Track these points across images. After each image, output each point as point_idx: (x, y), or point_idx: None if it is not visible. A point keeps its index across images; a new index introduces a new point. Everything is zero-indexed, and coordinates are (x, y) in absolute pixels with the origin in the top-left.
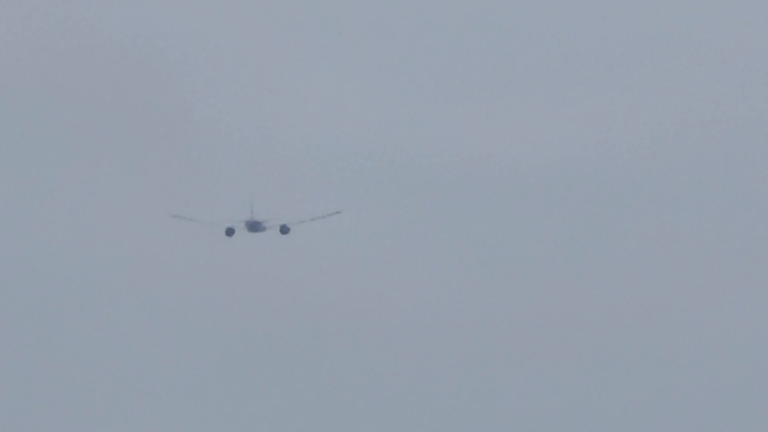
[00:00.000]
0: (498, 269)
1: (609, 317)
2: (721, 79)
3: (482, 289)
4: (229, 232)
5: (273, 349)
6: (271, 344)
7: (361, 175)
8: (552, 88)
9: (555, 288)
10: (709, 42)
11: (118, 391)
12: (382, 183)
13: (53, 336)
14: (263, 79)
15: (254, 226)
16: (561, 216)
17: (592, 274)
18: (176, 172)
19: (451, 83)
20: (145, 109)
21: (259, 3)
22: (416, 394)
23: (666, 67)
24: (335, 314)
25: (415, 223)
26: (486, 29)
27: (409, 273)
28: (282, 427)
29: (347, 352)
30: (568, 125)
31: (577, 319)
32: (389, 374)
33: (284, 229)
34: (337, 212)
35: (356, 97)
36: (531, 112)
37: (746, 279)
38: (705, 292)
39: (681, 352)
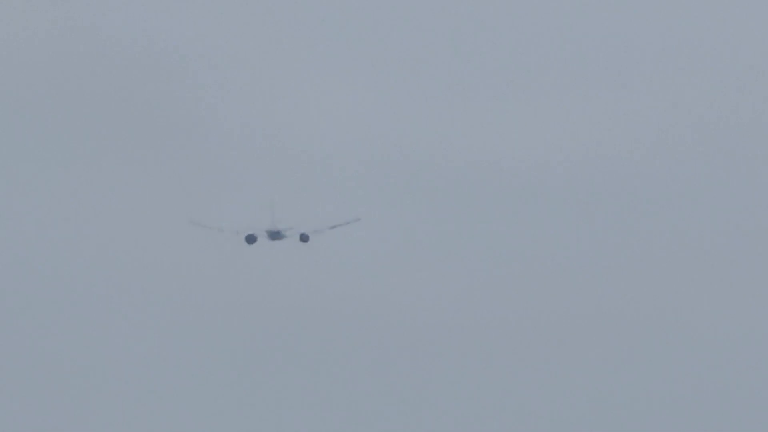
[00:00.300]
0: (518, 275)
1: (624, 316)
2: (724, 81)
3: (502, 294)
4: (250, 239)
5: (294, 355)
6: (292, 350)
7: (380, 183)
8: (566, 91)
9: (576, 292)
10: (713, 44)
11: (144, 397)
12: (401, 190)
13: (75, 342)
14: (284, 88)
15: (275, 235)
16: (587, 221)
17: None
18: (197, 181)
19: (468, 90)
20: (167, 118)
21: (279, 12)
22: (435, 399)
23: (670, 71)
24: (355, 321)
25: (433, 229)
26: (497, 36)
27: (427, 279)
28: (300, 429)
29: (368, 358)
30: (585, 128)
31: (600, 322)
32: (409, 379)
33: (304, 237)
34: (357, 219)
35: (375, 105)
36: (546, 117)
37: (750, 278)
38: (713, 293)
39: (684, 350)
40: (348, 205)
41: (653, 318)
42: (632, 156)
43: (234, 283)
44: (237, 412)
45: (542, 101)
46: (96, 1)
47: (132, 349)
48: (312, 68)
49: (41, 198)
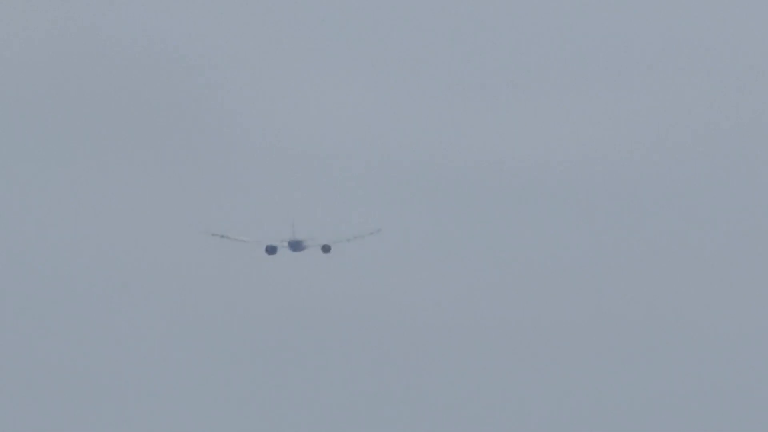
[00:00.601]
0: (540, 281)
1: (639, 317)
2: (727, 81)
3: (523, 302)
4: (271, 250)
5: (315, 365)
6: (314, 360)
7: (401, 193)
8: (573, 92)
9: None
10: (714, 44)
11: (166, 408)
12: (420, 199)
13: (96, 354)
14: (304, 98)
15: (296, 245)
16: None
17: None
18: (219, 191)
19: (482, 93)
20: (188, 128)
21: (299, 19)
22: (458, 408)
23: (672, 71)
24: (376, 331)
25: (454, 239)
26: (505, 38)
27: (448, 290)
28: None
29: (389, 368)
30: (599, 128)
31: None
32: (430, 388)
33: (326, 248)
34: (378, 230)
35: (395, 116)
36: (564, 119)
37: (751, 278)
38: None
39: (688, 351)
40: (369, 215)
41: (659, 319)
42: (641, 156)
43: (255, 294)
44: (258, 421)
45: (559, 103)
46: (109, 6)
47: (154, 360)
48: (334, 80)
49: (65, 208)
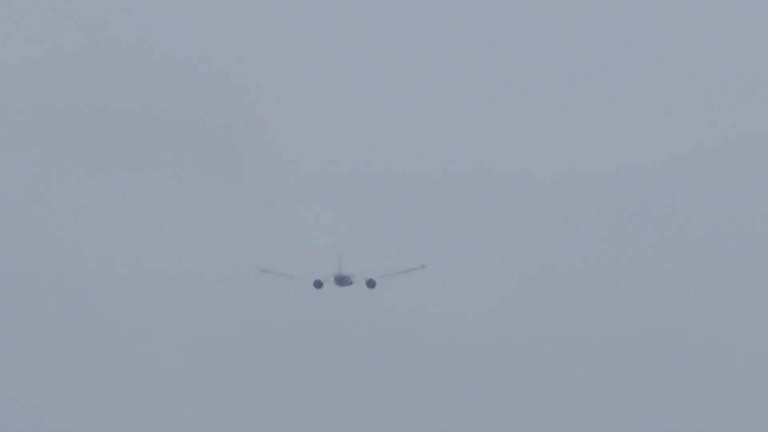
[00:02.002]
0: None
1: (649, 320)
2: (731, 86)
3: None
4: (318, 284)
5: (361, 397)
6: (360, 394)
7: (445, 230)
8: (583, 99)
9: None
10: (718, 50)
11: None
12: (465, 237)
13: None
14: (351, 135)
15: (342, 280)
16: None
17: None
18: (268, 229)
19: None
20: (237, 165)
21: (351, 53)
22: None
23: (677, 76)
24: (421, 364)
25: (497, 276)
26: (515, 45)
27: (490, 325)
28: None
29: (435, 401)
30: (613, 134)
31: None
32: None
33: (371, 283)
34: (422, 266)
35: (439, 146)
36: (580, 129)
37: (752, 280)
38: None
39: (699, 355)
40: (413, 251)
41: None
42: (653, 162)
43: (303, 327)
44: None
45: (574, 112)
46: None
47: (207, 392)
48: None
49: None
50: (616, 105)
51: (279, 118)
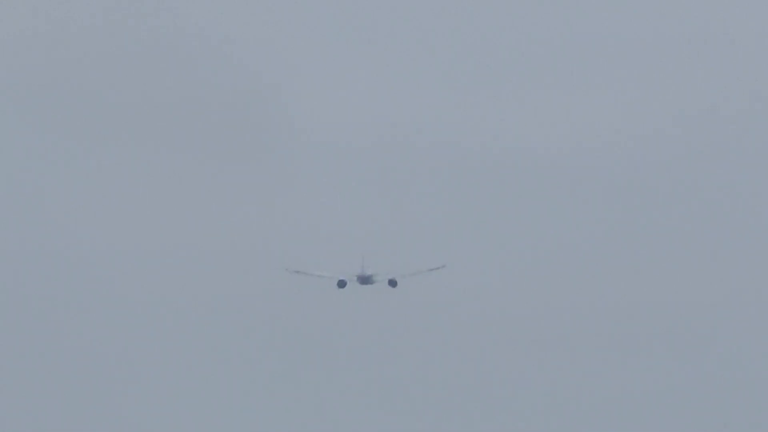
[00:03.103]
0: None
1: (653, 309)
2: (729, 73)
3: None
4: (341, 284)
5: (384, 396)
6: (382, 392)
7: (466, 230)
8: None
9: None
10: (715, 37)
11: None
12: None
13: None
14: (373, 137)
15: (365, 280)
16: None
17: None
18: (294, 229)
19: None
20: (263, 165)
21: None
22: None
23: (676, 63)
24: (441, 362)
25: (517, 275)
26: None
27: (510, 324)
28: None
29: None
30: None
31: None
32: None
33: (393, 283)
34: (443, 266)
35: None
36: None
37: (751, 270)
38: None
39: (705, 349)
40: (435, 251)
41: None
42: (646, 146)
43: (326, 325)
44: None
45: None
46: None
47: (230, 392)
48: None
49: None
50: (628, 88)
51: (304, 116)
